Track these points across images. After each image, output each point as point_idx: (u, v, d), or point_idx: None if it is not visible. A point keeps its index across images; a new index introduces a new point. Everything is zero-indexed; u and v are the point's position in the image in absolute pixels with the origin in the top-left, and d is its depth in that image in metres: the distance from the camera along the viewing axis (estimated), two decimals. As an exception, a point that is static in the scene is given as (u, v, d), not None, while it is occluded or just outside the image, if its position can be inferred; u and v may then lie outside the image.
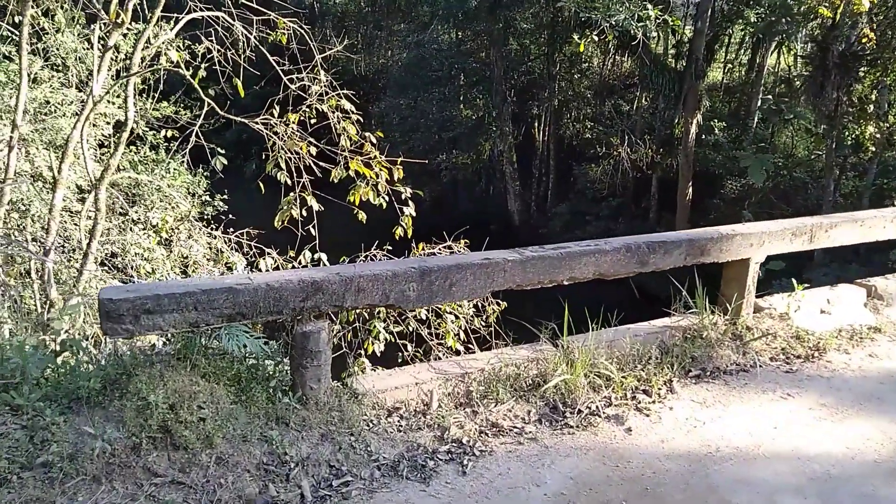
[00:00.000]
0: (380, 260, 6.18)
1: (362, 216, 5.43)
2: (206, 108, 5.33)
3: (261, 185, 5.40)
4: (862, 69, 14.15)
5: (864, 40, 10.83)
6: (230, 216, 9.12)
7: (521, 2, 22.41)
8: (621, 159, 21.38)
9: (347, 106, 5.71)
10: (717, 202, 19.59)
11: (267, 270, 6.60)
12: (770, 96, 19.15)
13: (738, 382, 3.63)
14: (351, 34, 31.83)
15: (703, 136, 19.90)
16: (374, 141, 5.57)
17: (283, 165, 5.20)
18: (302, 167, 5.42)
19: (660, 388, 3.45)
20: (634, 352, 3.56)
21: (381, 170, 5.40)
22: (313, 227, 5.28)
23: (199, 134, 5.59)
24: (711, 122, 19.75)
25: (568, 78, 23.74)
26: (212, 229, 8.10)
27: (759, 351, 3.94)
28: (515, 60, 23.81)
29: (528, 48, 24.19)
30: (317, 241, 5.44)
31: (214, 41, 5.48)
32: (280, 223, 5.16)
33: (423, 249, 6.08)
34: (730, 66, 23.77)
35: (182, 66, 5.25)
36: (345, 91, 5.84)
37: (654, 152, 21.07)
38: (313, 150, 5.64)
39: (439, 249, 6.05)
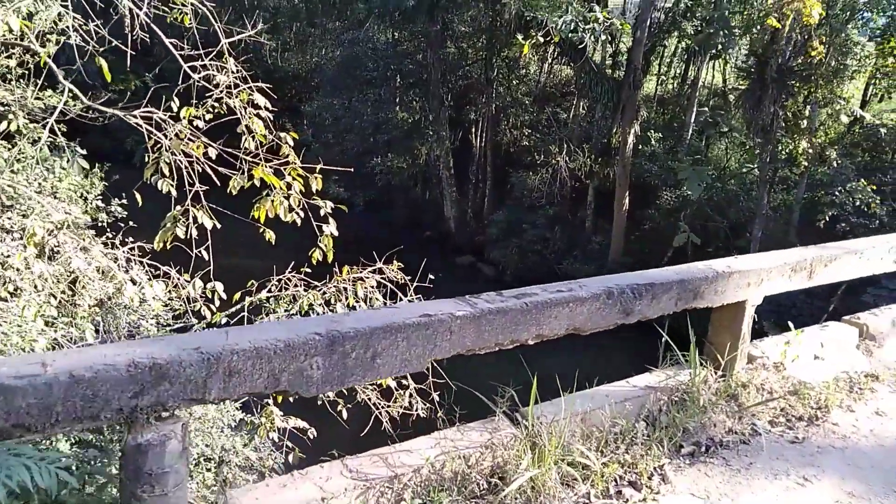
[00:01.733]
0: (295, 286, 5.20)
1: (270, 235, 4.41)
2: (66, 96, 4.17)
3: (137, 194, 4.29)
4: (796, 84, 14.22)
5: (812, 53, 10.71)
6: (131, 223, 7.89)
7: (460, 4, 21.76)
8: (559, 168, 21.03)
9: (262, 101, 4.68)
10: (653, 212, 19.51)
11: (156, 297, 5.46)
12: (706, 108, 19.24)
13: (740, 461, 2.88)
14: (283, 30, 30.36)
15: (640, 147, 19.79)
16: (291, 143, 4.57)
17: (166, 171, 4.11)
18: (195, 174, 4.34)
19: (650, 477, 2.65)
20: (617, 429, 2.75)
21: (294, 179, 4.39)
22: (206, 249, 4.22)
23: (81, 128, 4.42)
24: (648, 133, 19.67)
25: (506, 84, 23.24)
26: (107, 239, 6.92)
27: (757, 413, 3.23)
28: (453, 64, 23.10)
29: (465, 52, 23.56)
30: (211, 267, 4.38)
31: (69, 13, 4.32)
32: (160, 244, 4.07)
33: (347, 274, 5.13)
34: (663, 78, 23.94)
35: (34, 40, 4.09)
36: (258, 84, 4.82)
37: (592, 161, 20.84)
38: (212, 154, 4.58)
39: (367, 274, 5.12)
